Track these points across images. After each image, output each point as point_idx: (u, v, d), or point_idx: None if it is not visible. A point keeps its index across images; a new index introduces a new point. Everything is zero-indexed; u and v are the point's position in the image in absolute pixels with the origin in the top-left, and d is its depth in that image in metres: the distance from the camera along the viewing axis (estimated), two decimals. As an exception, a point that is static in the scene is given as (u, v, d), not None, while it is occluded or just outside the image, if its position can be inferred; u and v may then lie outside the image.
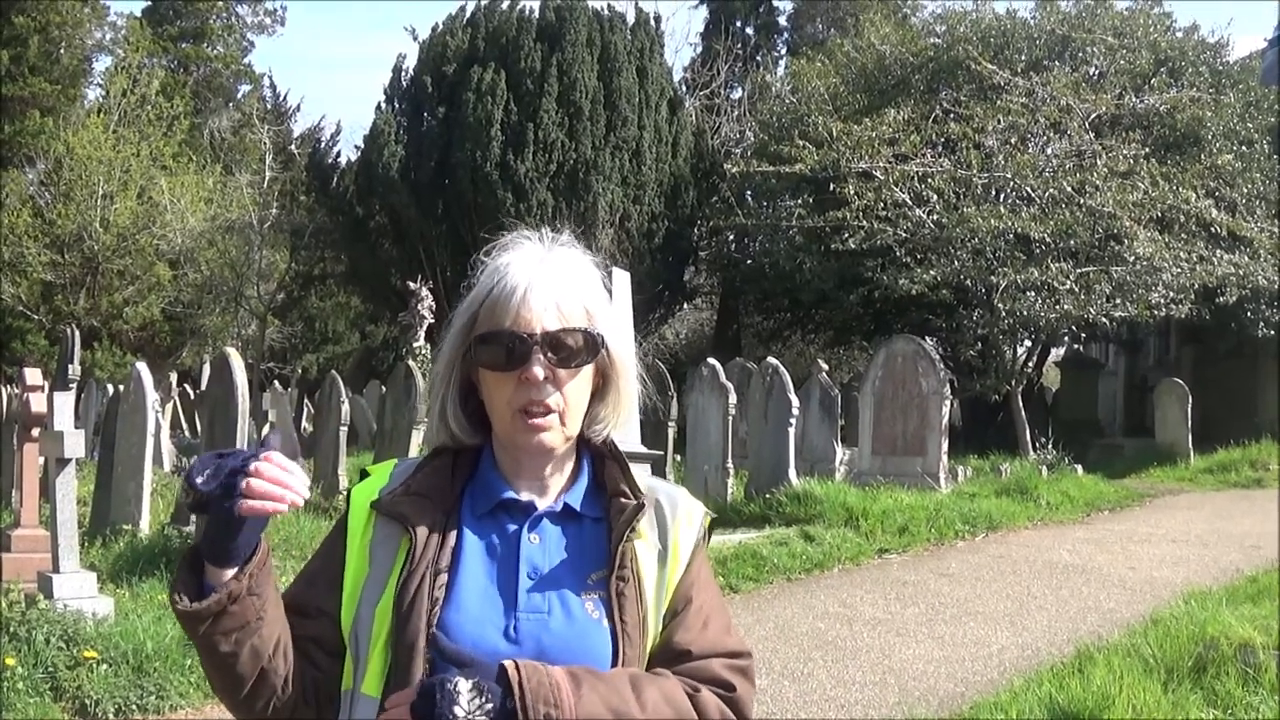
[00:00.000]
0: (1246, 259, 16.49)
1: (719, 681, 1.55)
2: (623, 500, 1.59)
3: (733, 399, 11.69)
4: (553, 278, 1.59)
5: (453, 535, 1.58)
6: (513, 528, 1.59)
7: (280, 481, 1.43)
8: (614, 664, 1.51)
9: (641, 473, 1.68)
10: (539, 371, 1.54)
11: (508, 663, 1.43)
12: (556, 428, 1.57)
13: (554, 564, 1.56)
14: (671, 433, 13.74)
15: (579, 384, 1.59)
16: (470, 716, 1.36)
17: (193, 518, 8.21)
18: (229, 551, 1.46)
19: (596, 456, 1.65)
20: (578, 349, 1.57)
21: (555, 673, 1.44)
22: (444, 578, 1.54)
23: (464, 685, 1.38)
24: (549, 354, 1.55)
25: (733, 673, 1.57)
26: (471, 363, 1.61)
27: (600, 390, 1.64)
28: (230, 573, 1.46)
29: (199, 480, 1.44)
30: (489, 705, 1.38)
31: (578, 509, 1.60)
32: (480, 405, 1.62)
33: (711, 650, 1.57)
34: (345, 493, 1.71)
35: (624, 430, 1.68)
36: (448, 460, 1.64)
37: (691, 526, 1.64)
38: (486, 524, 1.60)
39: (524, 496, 1.60)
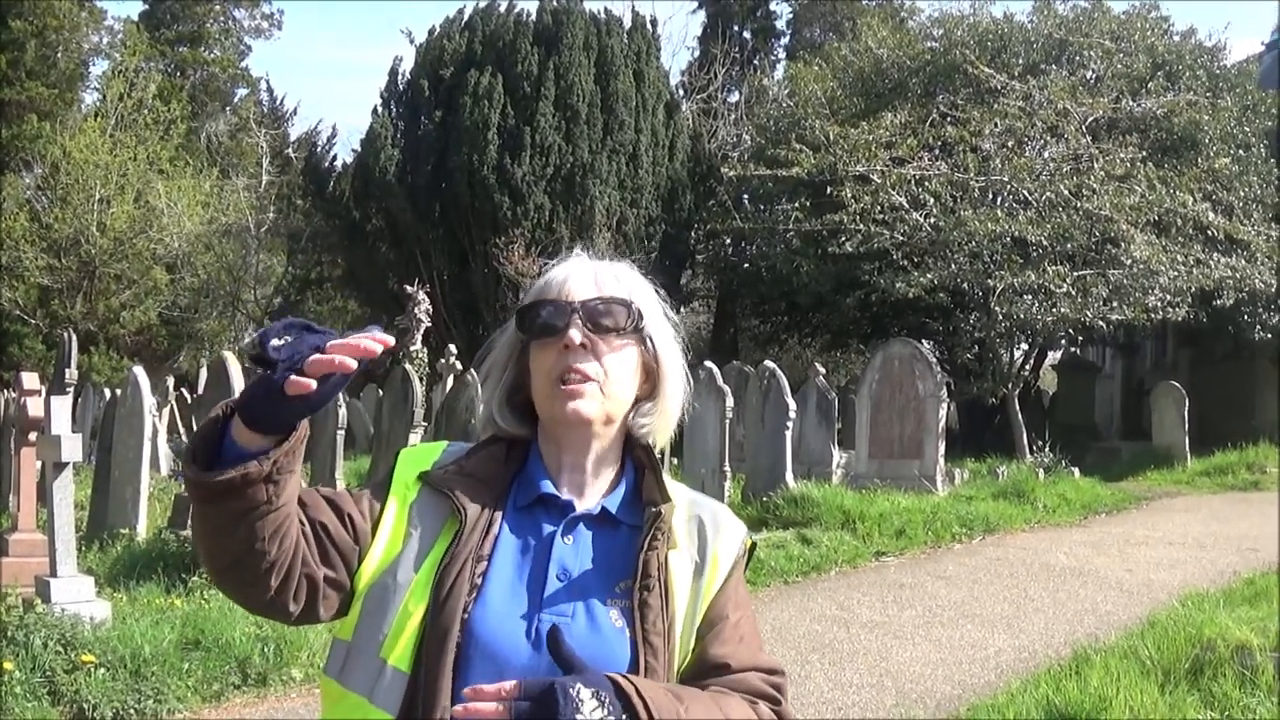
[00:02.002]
0: (1243, 262, 16.50)
1: (763, 695, 1.54)
2: (653, 508, 1.57)
3: (730, 402, 11.67)
4: (598, 263, 1.66)
5: (496, 524, 1.55)
6: (549, 526, 1.56)
7: (348, 346, 1.32)
8: (634, 673, 1.46)
9: (685, 489, 1.68)
10: (576, 335, 1.55)
11: (616, 677, 1.37)
12: (595, 396, 1.56)
13: (584, 568, 1.54)
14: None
15: (620, 360, 1.59)
16: None
17: (190, 522, 8.19)
18: (264, 420, 1.37)
19: (639, 466, 1.64)
20: (617, 318, 1.59)
21: (660, 688, 1.42)
22: (484, 565, 1.52)
23: (586, 693, 1.31)
24: (587, 323, 1.57)
25: (772, 688, 1.56)
26: (522, 354, 1.63)
27: (649, 394, 1.65)
28: (258, 444, 1.37)
29: (274, 342, 1.34)
30: (610, 718, 1.32)
31: (616, 515, 1.59)
32: (527, 398, 1.62)
33: (750, 665, 1.55)
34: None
35: (664, 438, 1.67)
36: (501, 449, 1.63)
37: (733, 544, 1.62)
38: (525, 518, 1.58)
39: (564, 494, 1.59)
